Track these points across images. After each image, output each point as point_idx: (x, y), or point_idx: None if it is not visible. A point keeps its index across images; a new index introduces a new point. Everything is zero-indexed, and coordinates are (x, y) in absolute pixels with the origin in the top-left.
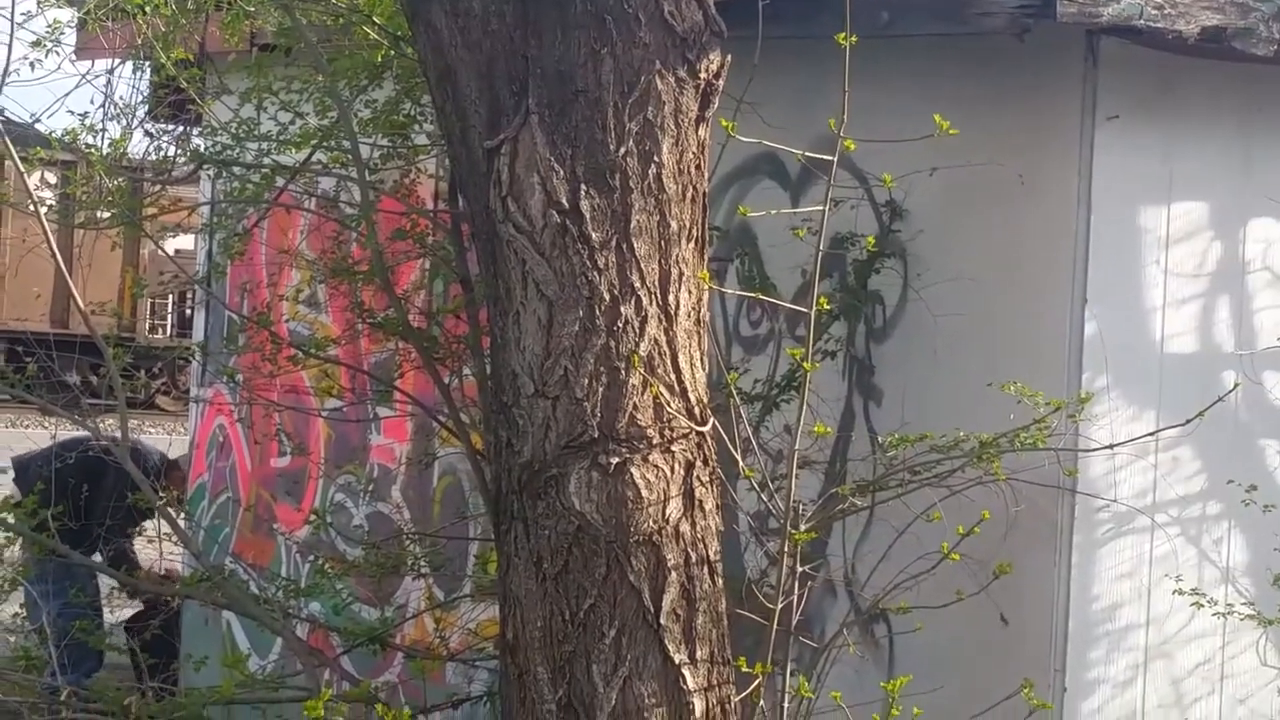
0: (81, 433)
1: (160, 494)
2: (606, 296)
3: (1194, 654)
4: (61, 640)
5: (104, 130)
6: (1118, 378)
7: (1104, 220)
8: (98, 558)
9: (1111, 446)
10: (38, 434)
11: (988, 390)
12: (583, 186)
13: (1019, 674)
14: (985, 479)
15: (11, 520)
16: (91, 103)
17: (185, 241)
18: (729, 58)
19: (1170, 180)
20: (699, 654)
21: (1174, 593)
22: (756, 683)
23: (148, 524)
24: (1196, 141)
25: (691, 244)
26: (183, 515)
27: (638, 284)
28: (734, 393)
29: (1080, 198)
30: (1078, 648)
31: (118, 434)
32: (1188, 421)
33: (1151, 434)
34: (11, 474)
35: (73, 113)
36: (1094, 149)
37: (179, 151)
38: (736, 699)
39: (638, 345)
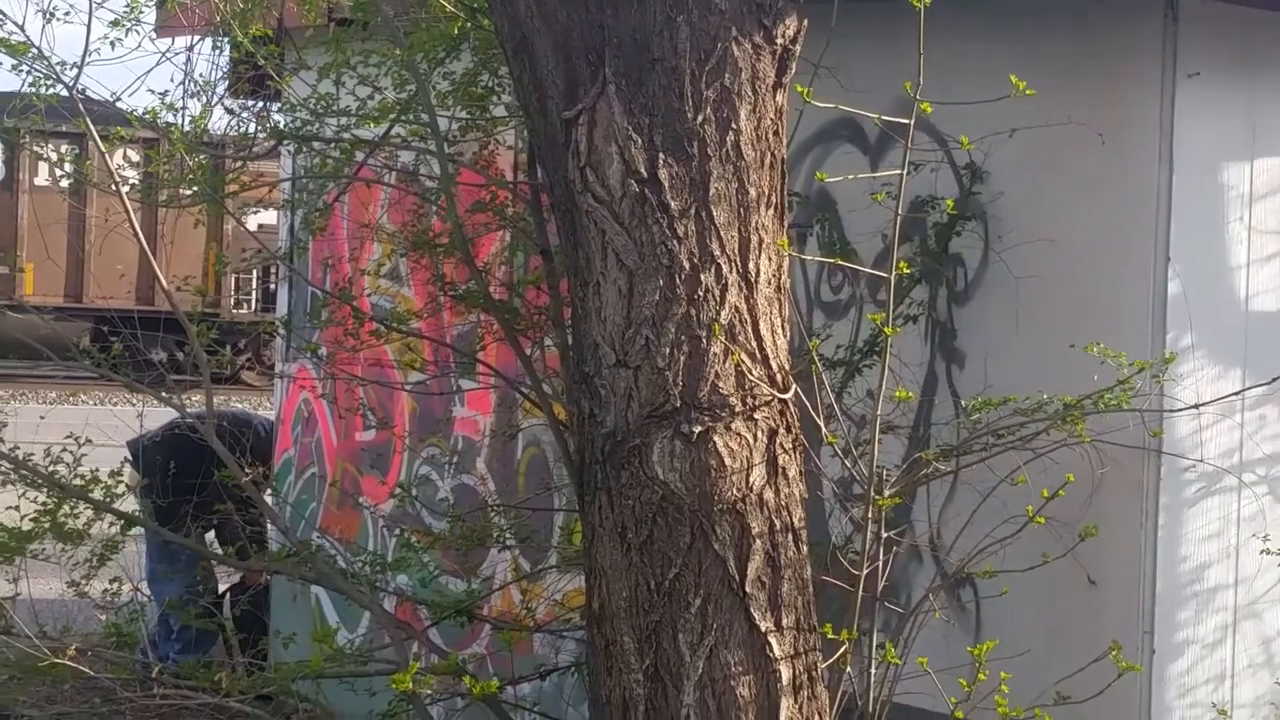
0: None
1: (247, 470)
2: (686, 265)
3: None
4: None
5: (184, 108)
6: (1202, 337)
7: (1186, 178)
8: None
9: (1197, 406)
10: (125, 411)
11: (1071, 352)
12: (661, 155)
13: (1107, 637)
14: (1070, 441)
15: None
16: (171, 80)
17: (268, 217)
18: (805, 22)
19: (1253, 136)
20: (785, 621)
21: (1262, 552)
22: (842, 649)
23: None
24: (1279, 96)
25: (771, 210)
26: (270, 491)
27: (717, 252)
28: (816, 359)
29: (1162, 156)
30: (1166, 609)
31: (227, 408)
32: (1274, 379)
33: (1237, 393)
34: (127, 455)
35: (153, 91)
36: (1175, 106)
37: (259, 128)
38: (823, 666)
39: (718, 313)
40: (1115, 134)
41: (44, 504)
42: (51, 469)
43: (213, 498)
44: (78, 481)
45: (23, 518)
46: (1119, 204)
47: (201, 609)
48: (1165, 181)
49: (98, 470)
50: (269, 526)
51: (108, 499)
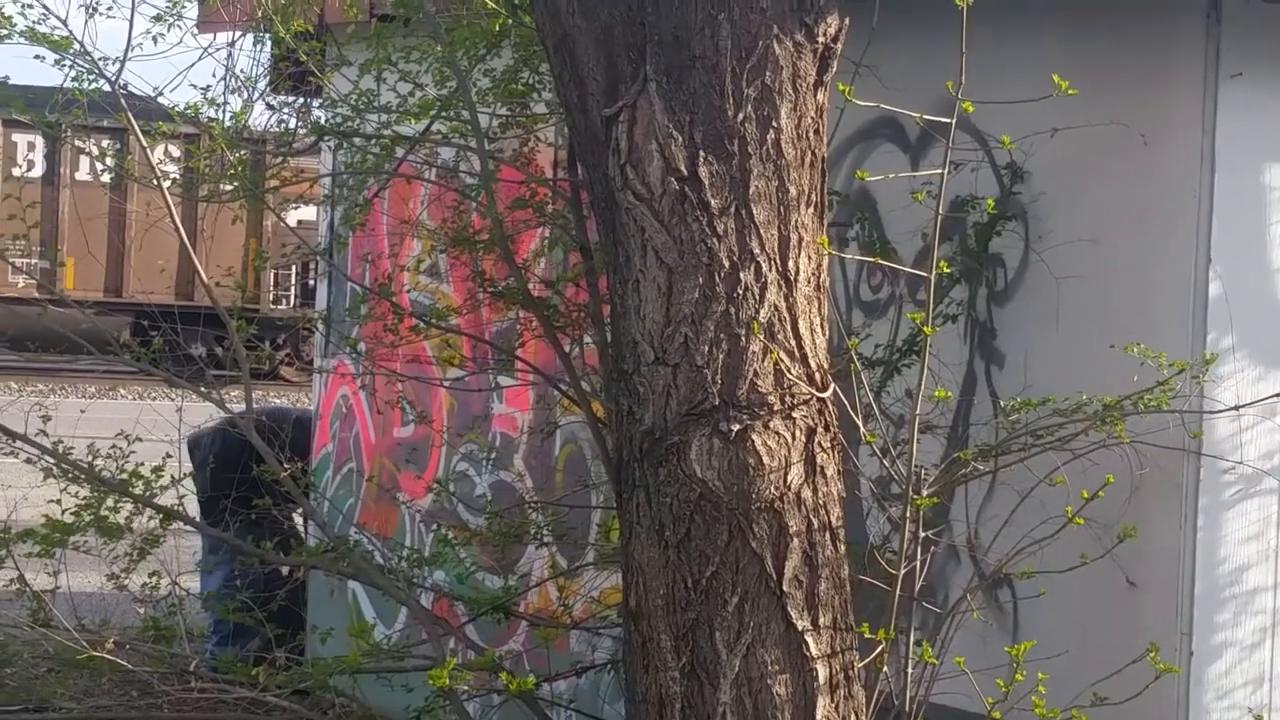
0: (230, 404)
1: (285, 465)
2: (726, 263)
3: None
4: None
5: (225, 103)
6: (1243, 338)
7: (1228, 179)
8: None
9: (1237, 408)
10: (164, 406)
11: (1110, 352)
12: (701, 153)
13: (1145, 638)
14: (1109, 442)
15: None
16: (213, 76)
17: (307, 213)
18: (847, 21)
19: None
20: (822, 620)
21: None
22: (880, 649)
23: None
24: None
25: (811, 209)
26: (307, 486)
27: (757, 250)
28: (855, 358)
29: (1204, 156)
30: (1204, 611)
31: (266, 404)
32: None
33: (1278, 394)
34: (185, 449)
35: (194, 86)
36: (1218, 107)
37: (300, 123)
38: (860, 665)
39: (758, 311)
40: (1157, 134)
41: (85, 499)
42: (92, 462)
43: (253, 492)
44: (121, 477)
45: (64, 511)
46: (1160, 205)
47: (240, 603)
48: (1207, 182)
49: (141, 465)
50: (305, 522)
51: (149, 494)
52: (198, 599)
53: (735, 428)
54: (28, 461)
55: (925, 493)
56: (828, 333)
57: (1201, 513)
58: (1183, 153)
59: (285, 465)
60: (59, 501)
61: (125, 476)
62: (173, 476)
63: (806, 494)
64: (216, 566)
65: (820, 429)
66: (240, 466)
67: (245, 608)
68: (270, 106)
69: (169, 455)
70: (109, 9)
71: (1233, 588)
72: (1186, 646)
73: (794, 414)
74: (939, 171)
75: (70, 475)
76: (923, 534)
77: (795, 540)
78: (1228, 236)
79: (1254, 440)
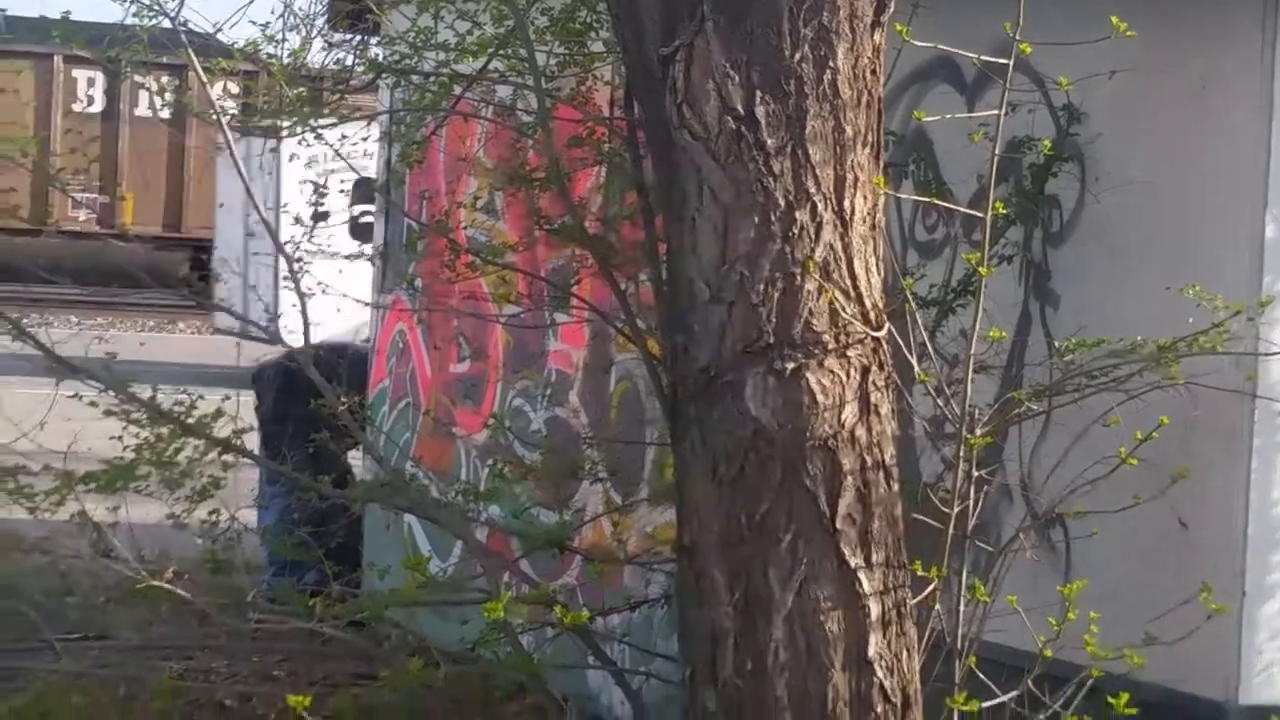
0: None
1: (342, 400)
2: (782, 202)
3: None
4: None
5: (284, 40)
6: None
7: None
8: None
9: None
10: (222, 341)
11: (1166, 294)
12: (758, 92)
13: (1197, 578)
14: (1163, 384)
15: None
16: (271, 13)
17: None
18: None
19: None
20: (875, 558)
21: None
22: (932, 587)
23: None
24: None
25: (867, 149)
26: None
27: (813, 190)
28: (910, 298)
29: (1262, 99)
30: (1257, 552)
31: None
32: None
33: None
34: (250, 380)
35: (253, 23)
36: (1276, 50)
37: (357, 61)
38: (912, 603)
39: (813, 251)
40: (1215, 77)
41: (145, 437)
42: (153, 397)
43: (312, 427)
44: (180, 413)
45: (125, 448)
46: (1217, 147)
47: (298, 538)
48: (1265, 125)
49: (200, 397)
50: (363, 457)
51: (208, 429)
52: (255, 533)
53: (790, 366)
54: (92, 403)
55: (979, 432)
56: (883, 272)
57: (1255, 454)
58: (1241, 96)
59: (343, 400)
60: (120, 438)
61: (184, 412)
62: (230, 415)
63: (860, 432)
64: (273, 500)
65: (874, 368)
66: (301, 400)
67: (302, 543)
68: (328, 44)
69: (227, 396)
70: None
71: None
72: (1239, 587)
73: (848, 353)
74: (996, 112)
75: (132, 413)
76: (976, 473)
77: (849, 478)
78: None
79: None
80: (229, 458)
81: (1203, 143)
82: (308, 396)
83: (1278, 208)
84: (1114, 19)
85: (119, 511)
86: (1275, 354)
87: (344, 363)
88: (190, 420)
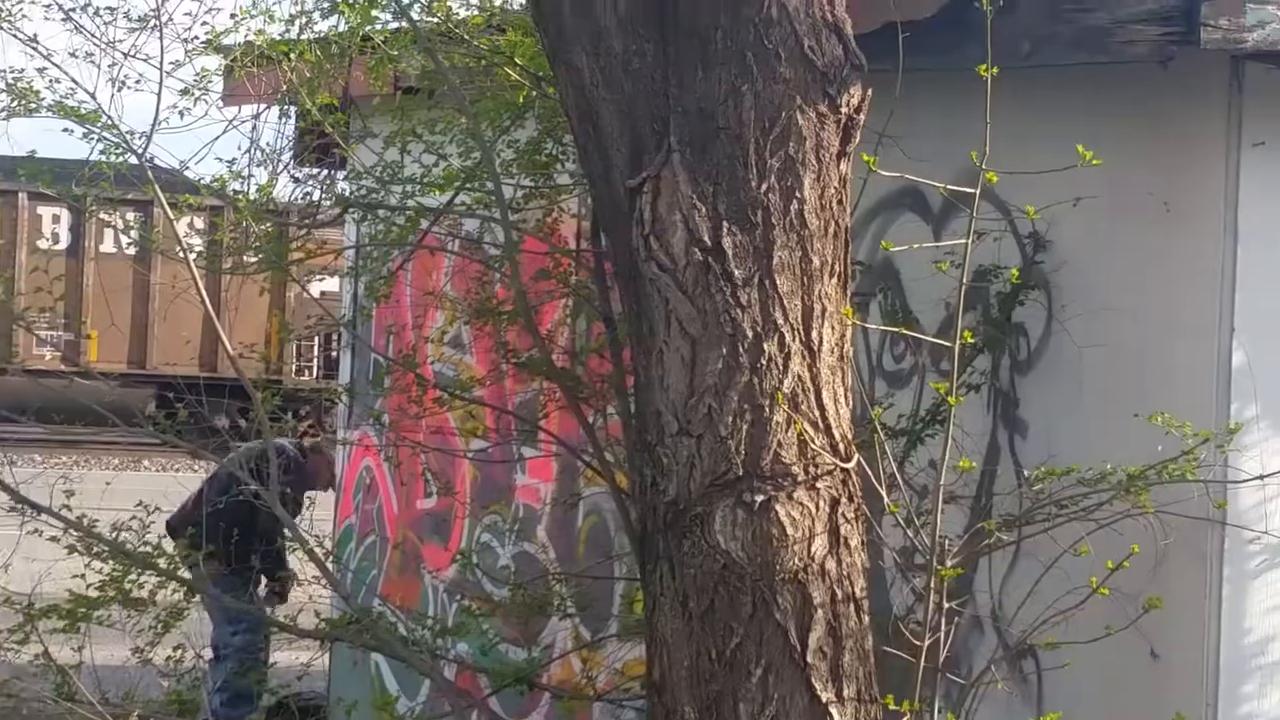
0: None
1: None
2: (750, 334)
3: None
4: (220, 681)
5: (250, 176)
6: (1267, 407)
7: (1251, 248)
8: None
9: (1262, 477)
10: (188, 478)
11: (1134, 421)
12: (725, 224)
13: (1170, 709)
14: (1133, 512)
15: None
16: (238, 149)
17: (331, 284)
18: (870, 92)
19: None
20: (846, 692)
21: None
22: None
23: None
24: None
25: (834, 279)
26: (331, 558)
27: (781, 321)
28: (878, 428)
29: (1226, 226)
30: (1230, 682)
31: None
32: None
33: None
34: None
35: (220, 159)
36: (1240, 176)
37: (324, 195)
38: None
39: (781, 382)
40: (1180, 203)
41: (109, 573)
42: (116, 535)
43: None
44: (144, 550)
45: (88, 586)
46: (1183, 274)
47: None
48: (1230, 251)
49: (164, 538)
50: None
51: (172, 567)
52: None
53: (759, 498)
54: (52, 539)
55: (949, 563)
56: (851, 403)
57: (1226, 583)
58: (1205, 222)
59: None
60: (83, 576)
61: (149, 550)
62: (197, 549)
63: (830, 565)
64: (236, 635)
65: (844, 499)
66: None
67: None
68: (295, 179)
69: (193, 529)
70: (137, 83)
71: (1258, 659)
72: (1211, 718)
73: (818, 484)
74: (963, 241)
75: (94, 549)
76: (946, 604)
77: (819, 611)
78: (1251, 306)
79: (1279, 510)
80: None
81: (1168, 270)
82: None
83: (1244, 334)
84: (1080, 147)
85: (83, 652)
86: (1245, 481)
87: (282, 459)
88: (149, 552)
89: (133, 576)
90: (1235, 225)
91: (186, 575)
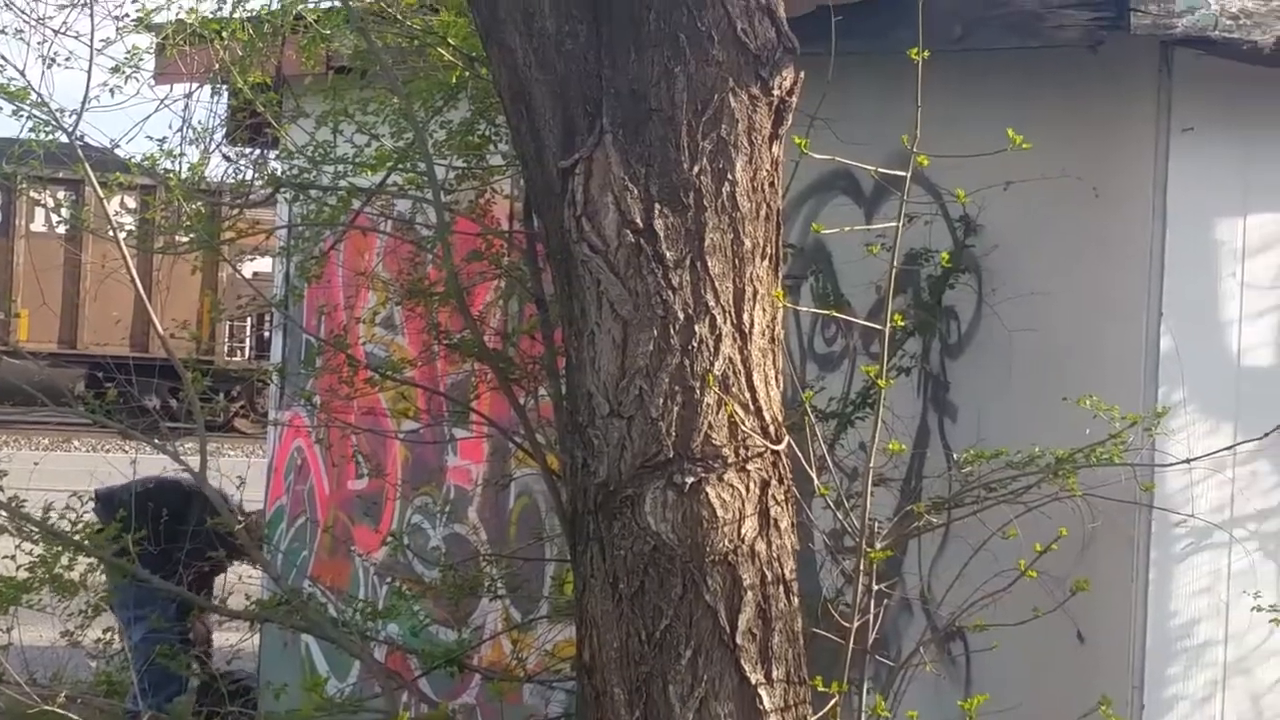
0: (166, 474)
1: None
2: (681, 316)
3: (1273, 670)
4: (143, 666)
5: (182, 155)
6: (1194, 391)
7: (1179, 233)
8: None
9: (1188, 461)
10: (118, 458)
11: (1063, 405)
12: (657, 205)
13: (1096, 691)
14: (1061, 495)
15: (92, 546)
16: (170, 127)
17: (263, 264)
18: (802, 74)
19: (1246, 192)
20: (775, 674)
21: (1252, 609)
22: (833, 702)
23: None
24: (1273, 152)
25: (766, 262)
26: (261, 539)
27: (712, 303)
28: (809, 411)
29: (1155, 210)
30: (1155, 664)
31: (196, 458)
32: (1265, 435)
33: (1229, 448)
34: (95, 505)
35: (151, 138)
36: (1169, 161)
37: (256, 175)
38: (813, 719)
39: (712, 364)
40: (1109, 188)
41: (40, 555)
42: (45, 517)
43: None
44: (76, 536)
45: (19, 567)
46: (1112, 258)
47: (185, 660)
48: (1159, 236)
49: (92, 525)
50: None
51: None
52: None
53: (689, 480)
54: None
55: (879, 545)
56: (782, 385)
57: (1153, 566)
58: (1135, 207)
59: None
60: (14, 558)
61: (80, 533)
62: (117, 534)
63: (760, 547)
64: (132, 622)
65: (774, 481)
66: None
67: (179, 661)
68: (227, 158)
69: (124, 512)
70: (67, 60)
71: (1184, 641)
72: (1138, 700)
73: (748, 467)
74: (893, 224)
75: (24, 530)
76: (876, 587)
77: (749, 593)
78: (1179, 290)
79: (1205, 494)
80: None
81: (1097, 253)
82: (158, 515)
83: (1173, 318)
84: (1010, 131)
85: (11, 634)
86: (1171, 465)
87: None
88: (80, 534)
89: (64, 561)
90: (1164, 210)
91: (115, 559)
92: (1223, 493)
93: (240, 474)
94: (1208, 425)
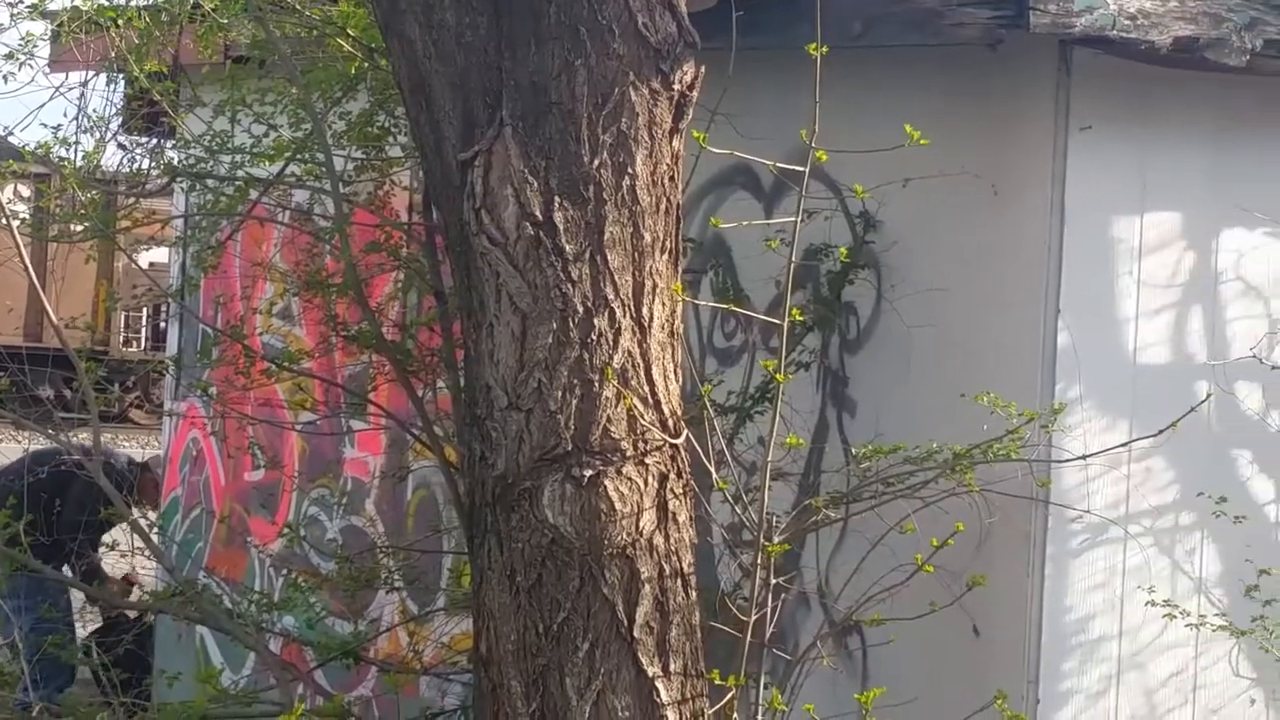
0: (52, 445)
1: (132, 507)
2: (580, 309)
3: (1167, 665)
4: (33, 656)
5: (77, 143)
6: (1090, 388)
7: (1077, 231)
8: (68, 571)
9: (1084, 457)
10: (10, 448)
11: (961, 401)
12: (556, 198)
13: (992, 686)
14: (959, 490)
15: None
16: (65, 115)
17: (159, 255)
18: (703, 69)
19: (1143, 190)
20: (673, 667)
21: (1147, 604)
22: (730, 695)
23: (116, 536)
24: (1170, 151)
25: (665, 256)
26: (155, 529)
27: (611, 296)
28: (708, 405)
29: (1053, 208)
30: (1051, 659)
31: (89, 446)
32: (1160, 432)
33: (1124, 445)
34: None
35: (46, 125)
36: (1067, 159)
37: (153, 164)
38: (710, 712)
39: (611, 357)
40: (1008, 185)
41: None
42: None
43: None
44: None
45: None
46: (1010, 255)
47: (74, 649)
48: (1056, 233)
49: None
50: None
51: None
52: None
53: (588, 473)
54: None
55: (776, 539)
56: (681, 379)
57: (1049, 561)
58: (1033, 204)
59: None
60: None
61: None
62: (5, 522)
63: (658, 540)
64: (21, 611)
65: (673, 475)
66: (83, 508)
67: (68, 652)
68: (123, 147)
69: (14, 499)
70: None
71: (1079, 636)
72: (1033, 694)
73: (646, 460)
74: (792, 219)
75: None
76: (774, 581)
77: (647, 586)
78: (1076, 287)
79: (1101, 490)
80: None
81: (996, 250)
82: (49, 503)
83: (1070, 315)
84: (908, 127)
85: None
86: (1067, 461)
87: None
88: None
89: None
90: (1062, 208)
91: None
92: (1118, 489)
93: (130, 455)
94: (1104, 422)
